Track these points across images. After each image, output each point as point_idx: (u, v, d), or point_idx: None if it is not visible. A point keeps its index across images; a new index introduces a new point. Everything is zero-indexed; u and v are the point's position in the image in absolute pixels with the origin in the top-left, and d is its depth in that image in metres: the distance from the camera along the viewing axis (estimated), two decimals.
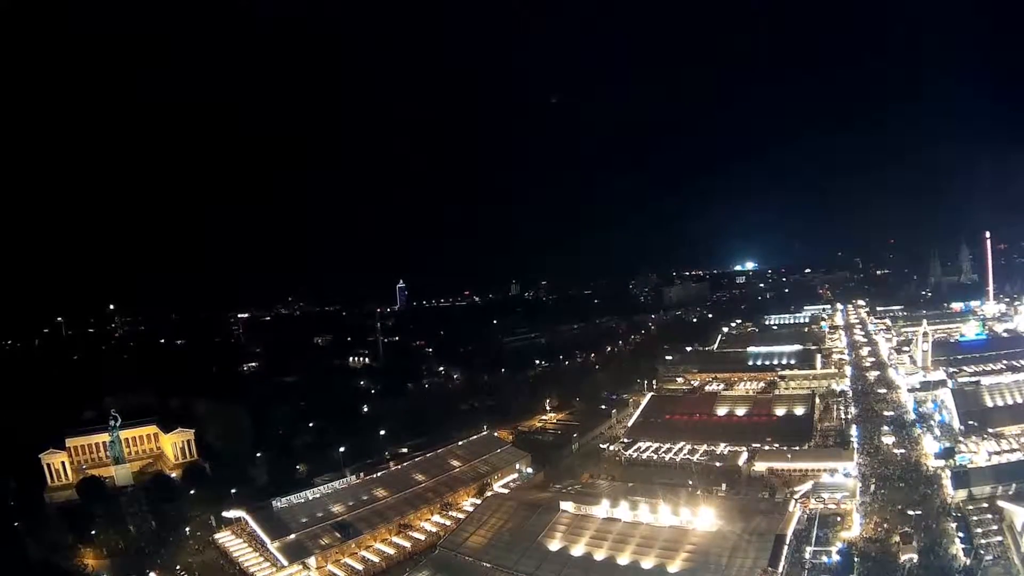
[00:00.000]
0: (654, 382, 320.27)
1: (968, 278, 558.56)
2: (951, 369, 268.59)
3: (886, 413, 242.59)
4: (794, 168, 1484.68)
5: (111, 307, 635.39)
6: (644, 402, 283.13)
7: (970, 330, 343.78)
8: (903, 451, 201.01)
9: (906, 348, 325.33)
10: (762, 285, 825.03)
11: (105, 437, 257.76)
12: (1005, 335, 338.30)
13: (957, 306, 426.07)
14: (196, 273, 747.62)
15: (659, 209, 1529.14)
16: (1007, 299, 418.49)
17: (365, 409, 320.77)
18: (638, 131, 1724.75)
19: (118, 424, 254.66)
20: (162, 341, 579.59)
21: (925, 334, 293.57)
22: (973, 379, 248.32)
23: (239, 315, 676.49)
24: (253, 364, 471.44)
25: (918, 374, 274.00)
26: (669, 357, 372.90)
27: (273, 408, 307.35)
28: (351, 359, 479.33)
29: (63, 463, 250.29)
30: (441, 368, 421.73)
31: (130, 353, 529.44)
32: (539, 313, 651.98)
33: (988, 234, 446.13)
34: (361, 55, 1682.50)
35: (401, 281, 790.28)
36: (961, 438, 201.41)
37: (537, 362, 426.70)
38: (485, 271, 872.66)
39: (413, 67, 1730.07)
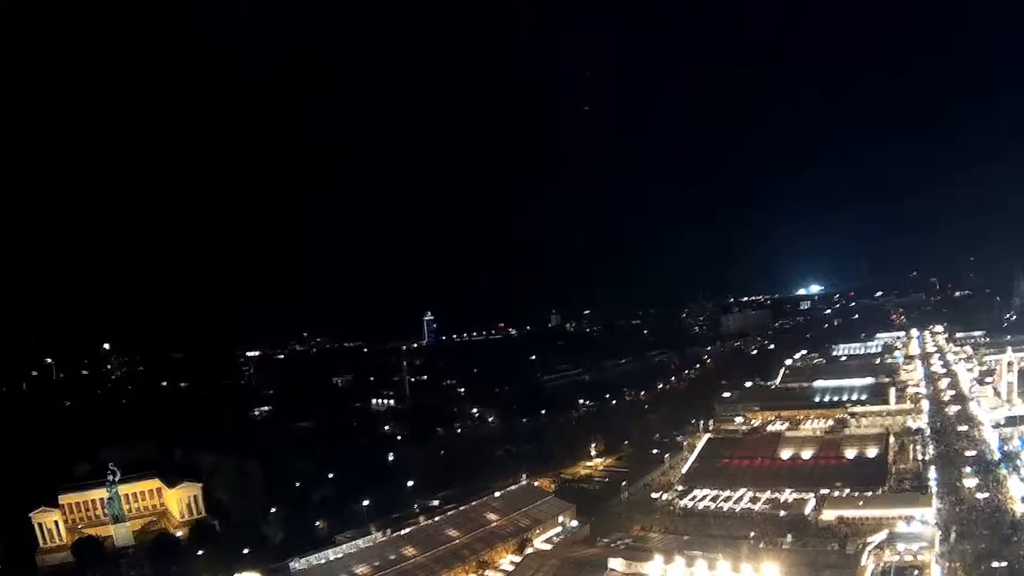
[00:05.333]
0: (711, 422, 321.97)
1: None
2: None
3: (967, 453, 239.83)
4: (862, 181, 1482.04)
5: (106, 346, 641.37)
6: (700, 445, 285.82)
7: None
8: (987, 495, 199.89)
9: (989, 379, 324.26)
10: (828, 311, 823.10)
11: (103, 493, 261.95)
12: None
13: None
14: (200, 307, 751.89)
15: (714, 230, 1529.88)
16: None
17: (391, 457, 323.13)
18: (692, 142, 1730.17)
19: (117, 478, 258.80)
20: (164, 384, 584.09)
21: (1010, 363, 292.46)
22: None
23: (249, 353, 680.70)
24: (266, 408, 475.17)
25: (1003, 408, 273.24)
26: (727, 394, 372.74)
27: (289, 458, 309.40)
28: (374, 401, 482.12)
29: (56, 522, 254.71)
30: (474, 410, 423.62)
31: (129, 397, 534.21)
32: (582, 347, 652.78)
33: None
34: (384, 71, 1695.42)
35: (429, 313, 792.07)
36: None
37: (581, 402, 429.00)
38: (522, 300, 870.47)
39: (439, 78, 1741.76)
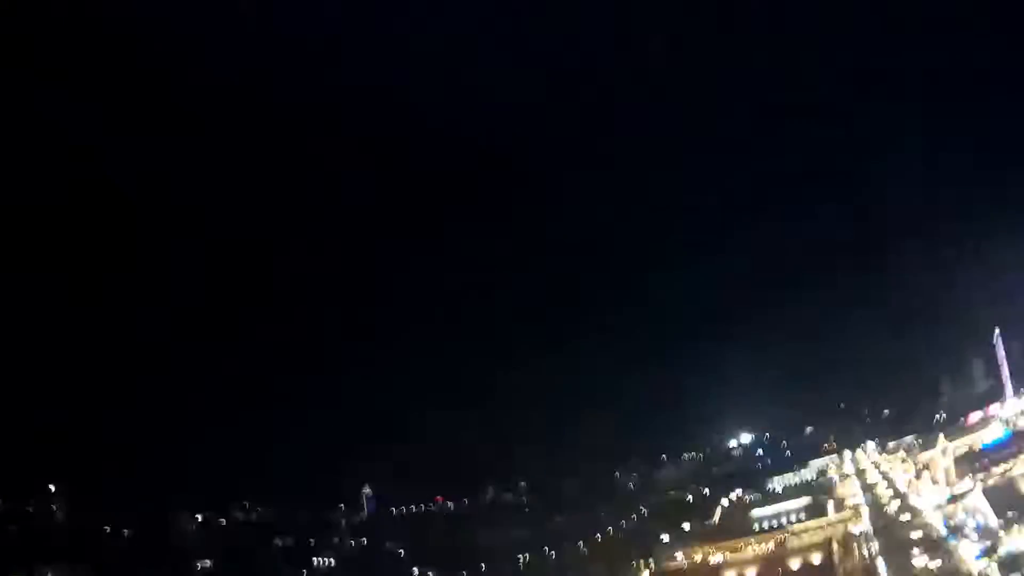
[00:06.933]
0: (651, 562, 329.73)
1: (984, 384, 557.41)
2: (979, 474, 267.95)
3: (913, 536, 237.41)
4: (786, 327, 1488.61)
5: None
6: None
7: (992, 434, 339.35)
8: (939, 563, 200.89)
9: (926, 471, 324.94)
10: (760, 451, 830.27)
11: None
12: None
13: (974, 417, 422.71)
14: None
15: (641, 389, 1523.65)
16: None
17: None
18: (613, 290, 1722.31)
19: None
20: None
21: (944, 451, 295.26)
22: (1003, 477, 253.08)
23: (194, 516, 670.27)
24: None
25: (943, 491, 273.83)
26: (665, 537, 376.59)
27: None
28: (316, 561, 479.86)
29: None
30: (415, 570, 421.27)
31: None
32: (518, 514, 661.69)
33: (997, 331, 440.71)
34: None
35: (367, 487, 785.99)
36: (1002, 533, 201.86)
37: (521, 556, 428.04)
38: (455, 472, 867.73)
39: None
